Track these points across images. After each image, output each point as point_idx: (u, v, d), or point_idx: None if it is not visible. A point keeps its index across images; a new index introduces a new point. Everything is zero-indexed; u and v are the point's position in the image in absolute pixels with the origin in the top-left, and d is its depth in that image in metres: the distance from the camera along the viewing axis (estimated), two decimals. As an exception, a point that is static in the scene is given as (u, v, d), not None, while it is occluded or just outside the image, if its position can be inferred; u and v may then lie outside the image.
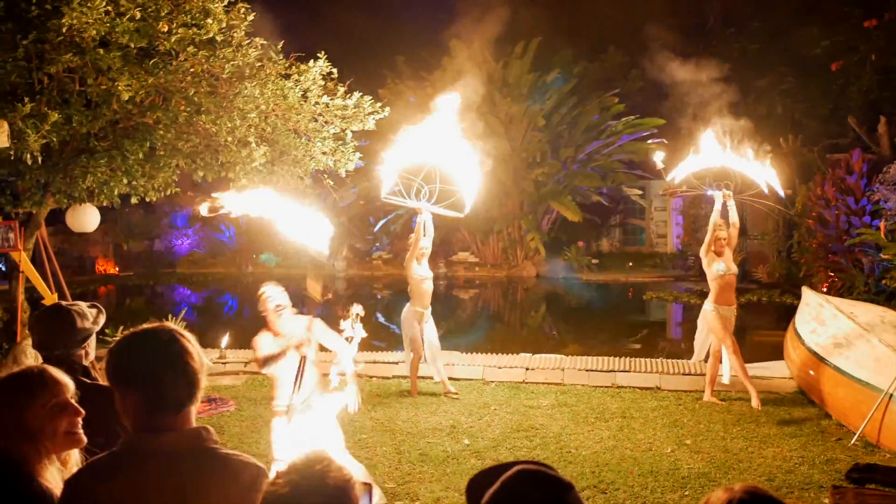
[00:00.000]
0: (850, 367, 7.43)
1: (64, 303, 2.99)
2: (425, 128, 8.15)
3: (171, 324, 2.16)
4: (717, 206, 8.68)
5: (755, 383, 8.40)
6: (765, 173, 8.58)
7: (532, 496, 1.49)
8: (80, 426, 2.25)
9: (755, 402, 8.16)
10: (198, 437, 2.06)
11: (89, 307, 3.03)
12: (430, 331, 8.94)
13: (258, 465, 2.07)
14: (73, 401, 2.25)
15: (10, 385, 2.19)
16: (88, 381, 2.84)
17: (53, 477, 2.18)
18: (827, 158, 17.58)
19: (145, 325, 2.16)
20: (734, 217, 8.64)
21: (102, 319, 3.09)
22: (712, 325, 8.41)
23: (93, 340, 3.02)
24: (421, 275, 8.86)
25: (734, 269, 8.55)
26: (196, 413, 2.13)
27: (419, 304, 8.86)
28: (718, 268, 8.44)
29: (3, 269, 10.64)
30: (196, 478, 1.99)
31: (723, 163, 8.63)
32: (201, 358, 2.11)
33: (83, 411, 2.27)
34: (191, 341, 2.11)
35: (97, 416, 2.55)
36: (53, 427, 2.19)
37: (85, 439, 2.27)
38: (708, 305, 8.51)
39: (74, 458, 2.29)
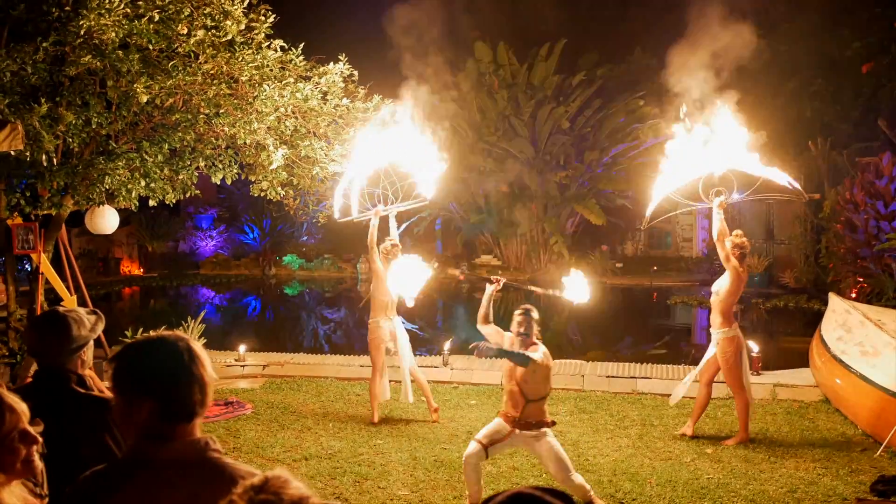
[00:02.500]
0: (876, 376, 7.25)
1: (61, 309, 2.91)
2: (377, 138, 7.96)
3: (183, 333, 2.11)
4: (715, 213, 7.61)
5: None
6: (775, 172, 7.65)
7: None
8: (36, 454, 2.18)
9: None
10: (201, 447, 2.02)
11: (88, 314, 2.97)
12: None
13: (260, 476, 2.02)
14: (30, 428, 2.17)
15: None
16: (82, 391, 2.78)
17: (13, 494, 2.12)
18: (856, 162, 17.28)
19: (158, 333, 2.12)
20: (718, 227, 7.53)
21: (101, 327, 3.02)
22: (725, 358, 7.28)
23: (90, 348, 2.95)
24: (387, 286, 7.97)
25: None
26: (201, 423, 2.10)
27: (381, 317, 8.09)
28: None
29: (28, 268, 10.72)
30: (200, 488, 1.95)
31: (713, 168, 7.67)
32: (210, 369, 2.07)
33: (40, 439, 2.18)
34: (201, 351, 2.07)
35: (88, 427, 2.50)
36: (12, 458, 2.11)
37: (41, 465, 2.20)
38: (719, 332, 7.42)
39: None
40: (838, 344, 8.38)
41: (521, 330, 5.63)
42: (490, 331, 5.92)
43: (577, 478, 5.53)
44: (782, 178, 7.58)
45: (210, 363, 2.10)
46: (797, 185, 7.71)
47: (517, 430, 5.53)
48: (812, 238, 18.94)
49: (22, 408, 2.15)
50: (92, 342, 2.94)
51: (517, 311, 5.71)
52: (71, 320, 2.83)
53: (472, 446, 5.59)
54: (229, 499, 1.50)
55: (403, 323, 8.41)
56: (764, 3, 21.23)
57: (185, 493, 1.95)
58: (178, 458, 1.99)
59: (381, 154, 7.94)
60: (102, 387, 2.98)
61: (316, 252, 26.15)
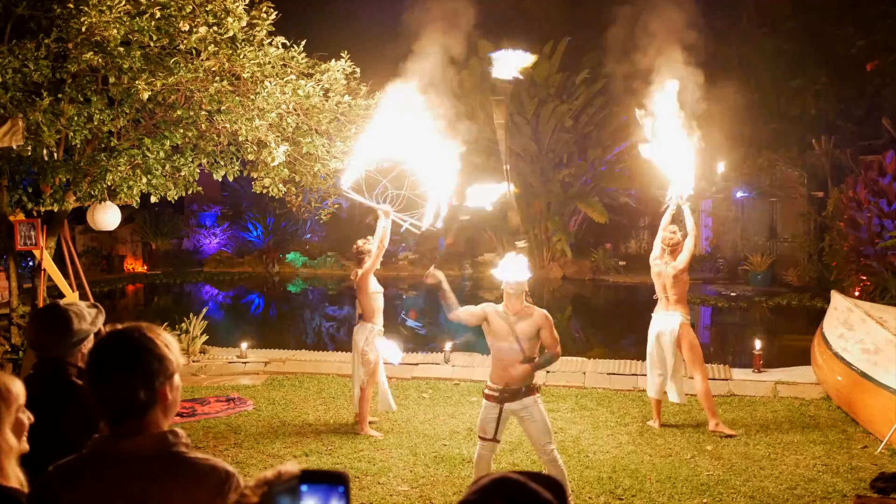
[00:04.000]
0: (877, 373, 7.24)
1: (61, 302, 2.94)
2: (406, 121, 7.02)
3: (142, 323, 2.10)
4: (668, 212, 7.88)
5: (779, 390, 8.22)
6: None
7: (495, 501, 1.42)
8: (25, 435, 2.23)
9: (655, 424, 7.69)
10: (164, 441, 2.01)
11: (89, 307, 2.99)
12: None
13: (227, 469, 2.01)
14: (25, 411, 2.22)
15: None
16: (83, 383, 2.80)
17: (14, 470, 2.15)
18: (860, 160, 17.25)
19: (116, 327, 2.11)
20: (690, 224, 7.79)
21: (102, 320, 3.04)
22: (695, 340, 7.68)
23: (90, 341, 2.97)
24: (376, 289, 7.73)
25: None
26: (171, 416, 2.08)
27: (379, 321, 7.71)
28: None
29: (32, 264, 10.75)
30: (160, 483, 1.95)
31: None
32: (168, 359, 2.04)
33: (32, 419, 2.24)
34: (157, 341, 2.04)
35: (87, 418, 2.52)
36: (20, 429, 2.17)
37: (27, 447, 2.24)
38: (685, 317, 7.74)
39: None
40: (840, 341, 8.37)
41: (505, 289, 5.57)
42: (463, 315, 5.70)
43: (555, 450, 5.51)
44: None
45: (168, 352, 2.05)
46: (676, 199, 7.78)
47: (506, 405, 5.45)
48: (815, 236, 18.91)
49: (19, 389, 2.21)
50: (93, 335, 2.95)
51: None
52: (72, 314, 2.86)
53: (483, 445, 5.58)
54: (241, 492, 1.50)
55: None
56: (769, 2, 21.19)
57: (141, 487, 1.95)
58: (139, 452, 1.99)
59: (403, 149, 7.15)
60: None
61: (319, 250, 26.15)
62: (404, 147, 7.08)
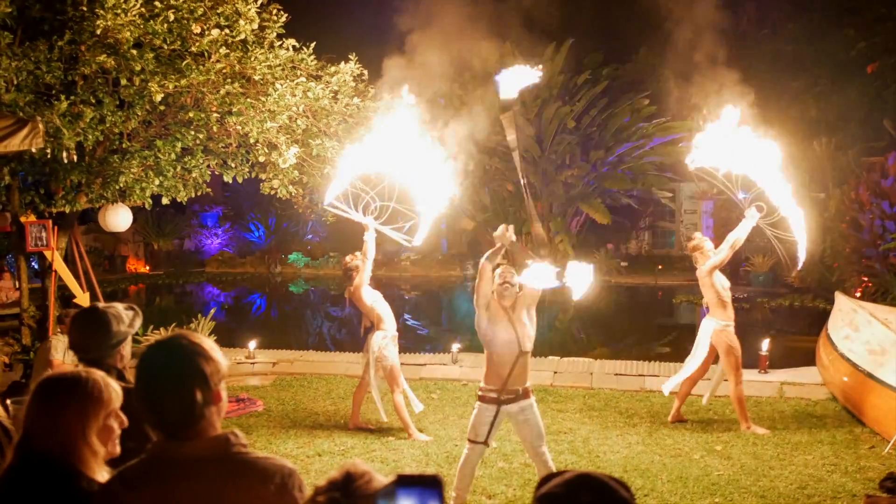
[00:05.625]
0: (884, 374, 7.30)
1: (101, 305, 3.00)
2: (395, 132, 6.83)
3: (183, 331, 2.16)
4: (750, 225, 7.61)
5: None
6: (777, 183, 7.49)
7: (583, 496, 1.50)
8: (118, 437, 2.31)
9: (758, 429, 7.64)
10: (225, 443, 2.06)
11: (126, 309, 3.05)
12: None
13: (289, 467, 2.06)
14: (120, 412, 2.31)
15: (76, 392, 2.23)
16: (123, 384, 2.86)
17: (103, 476, 2.22)
18: (862, 162, 17.31)
19: (158, 338, 2.18)
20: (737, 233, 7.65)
21: (139, 322, 3.11)
22: (732, 345, 7.69)
23: (128, 343, 3.03)
24: (372, 299, 7.61)
25: None
26: (222, 415, 2.14)
27: (391, 326, 7.65)
28: (724, 281, 7.83)
29: (36, 267, 10.79)
30: (225, 483, 1.99)
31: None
32: (218, 362, 2.10)
33: (127, 422, 2.32)
34: (205, 346, 2.10)
35: (129, 420, 2.58)
36: (107, 436, 2.24)
37: (119, 450, 2.31)
38: (720, 324, 7.69)
39: None
40: (845, 342, 8.43)
41: (509, 284, 5.53)
42: (487, 276, 5.61)
43: (547, 452, 5.56)
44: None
45: (214, 356, 2.11)
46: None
47: (503, 407, 5.45)
48: (817, 237, 18.98)
49: (120, 391, 2.28)
50: (130, 337, 3.01)
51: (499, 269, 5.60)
52: (111, 316, 2.92)
53: (472, 449, 5.57)
54: (313, 497, 1.55)
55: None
56: (769, 3, 21.27)
57: (207, 489, 2.00)
58: (202, 455, 2.04)
59: (389, 160, 6.86)
60: None
61: (321, 250, 26.21)
62: (394, 159, 6.80)
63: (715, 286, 7.67)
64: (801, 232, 7.55)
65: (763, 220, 7.61)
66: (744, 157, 7.39)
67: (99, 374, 2.28)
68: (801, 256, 7.60)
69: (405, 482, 1.32)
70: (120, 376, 2.88)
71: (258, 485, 2.00)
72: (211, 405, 2.07)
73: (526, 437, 5.55)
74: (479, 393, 5.59)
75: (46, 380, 2.27)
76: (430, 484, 1.32)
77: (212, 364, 2.09)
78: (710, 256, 7.70)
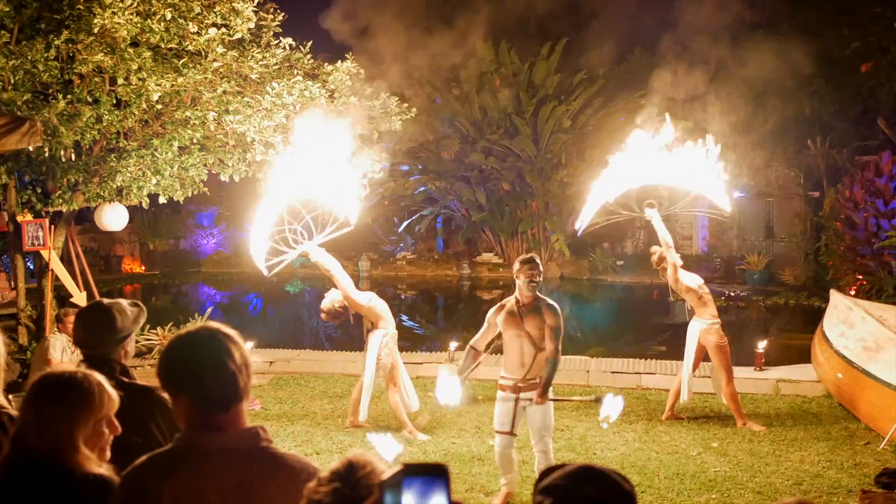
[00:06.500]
0: (879, 371, 7.34)
1: (105, 300, 3.02)
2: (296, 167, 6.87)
3: (214, 323, 2.18)
4: (658, 222, 7.79)
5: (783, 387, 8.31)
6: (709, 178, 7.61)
7: (585, 489, 1.52)
8: (108, 445, 2.33)
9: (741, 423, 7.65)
10: (255, 437, 2.09)
11: (130, 306, 3.07)
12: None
13: (314, 466, 2.08)
14: (115, 420, 2.32)
15: (68, 394, 2.25)
16: (127, 380, 2.87)
17: (98, 466, 2.23)
18: (856, 161, 17.38)
19: (189, 328, 2.19)
20: (664, 235, 7.77)
21: (143, 319, 3.13)
22: (721, 343, 7.67)
23: (132, 339, 3.05)
24: (365, 301, 7.45)
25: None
26: (247, 411, 2.16)
27: (390, 325, 7.60)
28: (695, 278, 7.89)
29: (32, 267, 10.78)
30: (257, 477, 2.01)
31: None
32: (244, 355, 2.13)
33: (120, 429, 2.33)
34: (232, 339, 2.13)
35: (134, 415, 2.60)
36: (96, 441, 2.25)
37: (109, 455, 2.33)
38: (706, 323, 7.73)
39: None
40: (840, 340, 8.48)
41: (536, 278, 5.64)
42: (487, 337, 5.96)
43: (551, 444, 5.68)
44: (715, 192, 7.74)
45: (242, 349, 2.14)
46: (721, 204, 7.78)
47: (521, 394, 5.60)
48: (812, 236, 19.05)
49: (116, 398, 2.29)
50: (134, 334, 3.03)
51: (524, 260, 5.71)
52: (115, 311, 2.94)
53: (500, 438, 5.70)
54: (314, 488, 1.56)
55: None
56: (765, 3, 21.33)
57: (237, 481, 2.02)
58: (228, 447, 2.05)
59: (294, 187, 6.90)
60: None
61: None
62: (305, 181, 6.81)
63: (688, 286, 7.80)
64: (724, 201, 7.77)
65: (679, 208, 8.13)
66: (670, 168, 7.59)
67: (96, 378, 2.28)
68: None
69: (411, 471, 1.32)
70: (124, 372, 2.90)
71: (286, 481, 2.02)
72: (240, 398, 2.10)
73: (534, 422, 5.65)
74: (500, 381, 5.79)
75: (44, 377, 2.29)
76: (436, 472, 1.32)
77: (242, 358, 2.12)
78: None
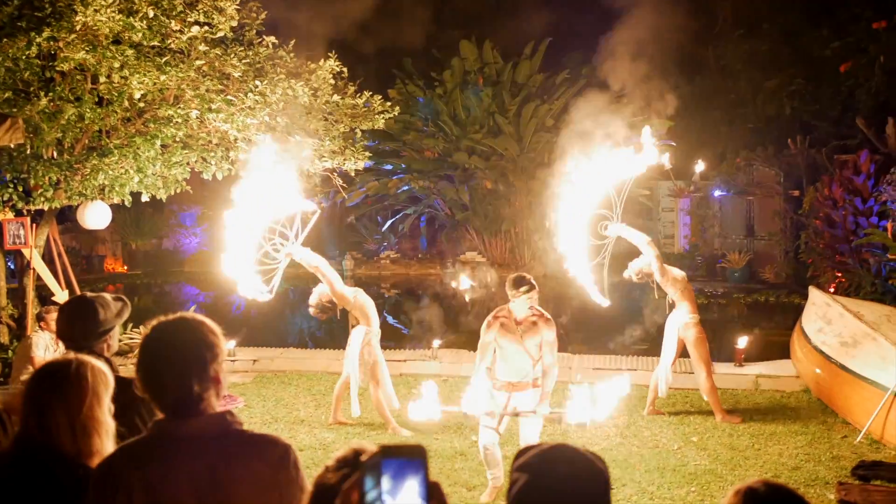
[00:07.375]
0: (855, 366, 7.46)
1: (89, 294, 3.04)
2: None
3: (187, 314, 2.20)
4: (630, 234, 8.22)
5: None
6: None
7: (560, 467, 1.56)
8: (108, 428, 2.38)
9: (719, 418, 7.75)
10: (223, 422, 2.12)
11: (114, 299, 3.09)
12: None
13: (284, 442, 2.13)
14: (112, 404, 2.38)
15: (61, 377, 2.27)
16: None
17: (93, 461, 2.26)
18: (835, 159, 17.55)
19: (162, 318, 2.21)
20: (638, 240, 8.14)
21: (127, 312, 3.15)
22: (700, 336, 7.80)
23: (115, 333, 3.07)
24: (354, 291, 7.66)
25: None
26: (221, 396, 2.19)
27: (374, 324, 7.68)
28: (681, 272, 8.11)
29: (13, 266, 10.71)
30: (225, 459, 2.05)
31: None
32: (218, 344, 2.15)
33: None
34: (205, 328, 2.15)
35: (118, 407, 2.63)
36: (90, 426, 2.28)
37: (110, 445, 2.37)
38: (689, 317, 7.90)
39: None
40: (819, 335, 8.58)
41: (535, 302, 5.74)
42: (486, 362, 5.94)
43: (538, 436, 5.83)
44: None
45: (213, 339, 2.17)
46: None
47: (514, 393, 5.71)
48: (792, 234, 19.20)
49: (111, 380, 2.35)
50: (117, 328, 3.05)
51: (516, 281, 5.71)
52: (98, 305, 2.96)
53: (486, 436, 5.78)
54: (322, 474, 1.59)
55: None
56: (745, 4, 21.50)
57: (208, 466, 2.05)
58: (201, 432, 2.09)
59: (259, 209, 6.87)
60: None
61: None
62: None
63: (675, 277, 8.06)
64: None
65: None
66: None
67: (90, 362, 2.32)
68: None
69: (389, 453, 1.35)
70: (107, 365, 2.92)
71: (256, 460, 2.06)
72: (210, 387, 2.12)
73: (525, 430, 5.86)
74: (494, 384, 5.86)
75: (39, 369, 2.33)
76: (413, 454, 1.35)
77: (212, 347, 2.15)
78: (651, 271, 8.04)
